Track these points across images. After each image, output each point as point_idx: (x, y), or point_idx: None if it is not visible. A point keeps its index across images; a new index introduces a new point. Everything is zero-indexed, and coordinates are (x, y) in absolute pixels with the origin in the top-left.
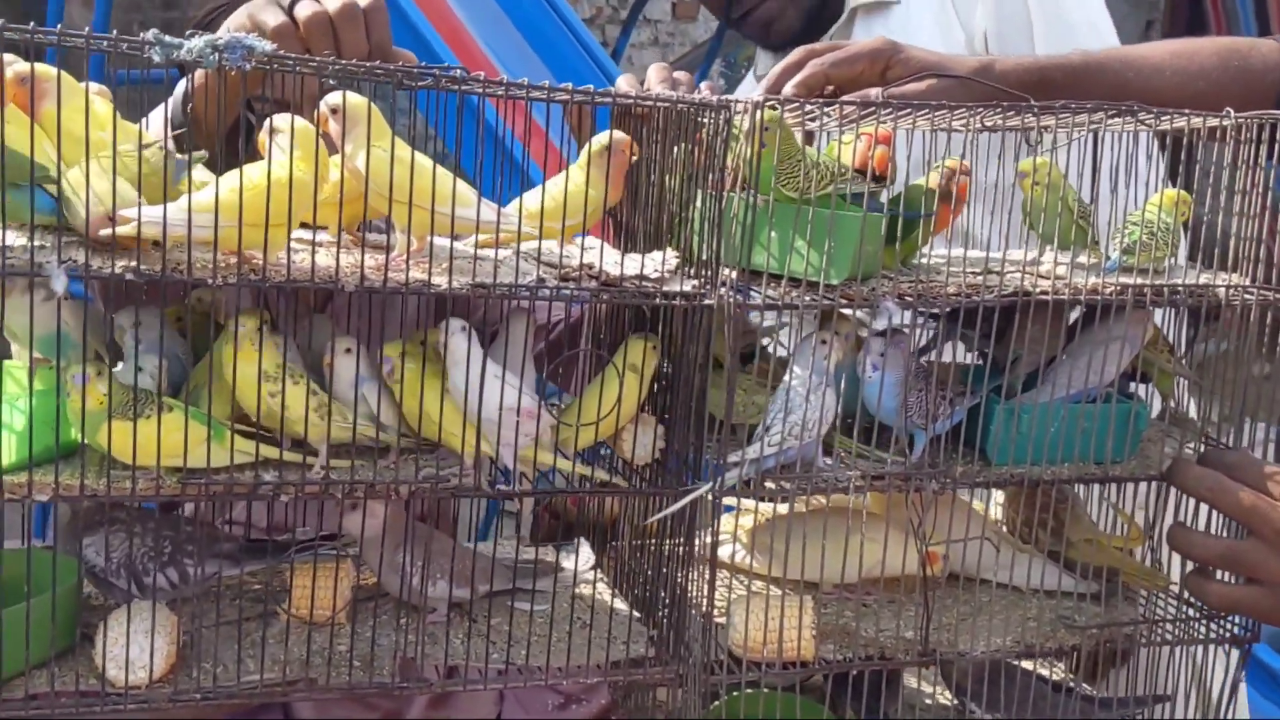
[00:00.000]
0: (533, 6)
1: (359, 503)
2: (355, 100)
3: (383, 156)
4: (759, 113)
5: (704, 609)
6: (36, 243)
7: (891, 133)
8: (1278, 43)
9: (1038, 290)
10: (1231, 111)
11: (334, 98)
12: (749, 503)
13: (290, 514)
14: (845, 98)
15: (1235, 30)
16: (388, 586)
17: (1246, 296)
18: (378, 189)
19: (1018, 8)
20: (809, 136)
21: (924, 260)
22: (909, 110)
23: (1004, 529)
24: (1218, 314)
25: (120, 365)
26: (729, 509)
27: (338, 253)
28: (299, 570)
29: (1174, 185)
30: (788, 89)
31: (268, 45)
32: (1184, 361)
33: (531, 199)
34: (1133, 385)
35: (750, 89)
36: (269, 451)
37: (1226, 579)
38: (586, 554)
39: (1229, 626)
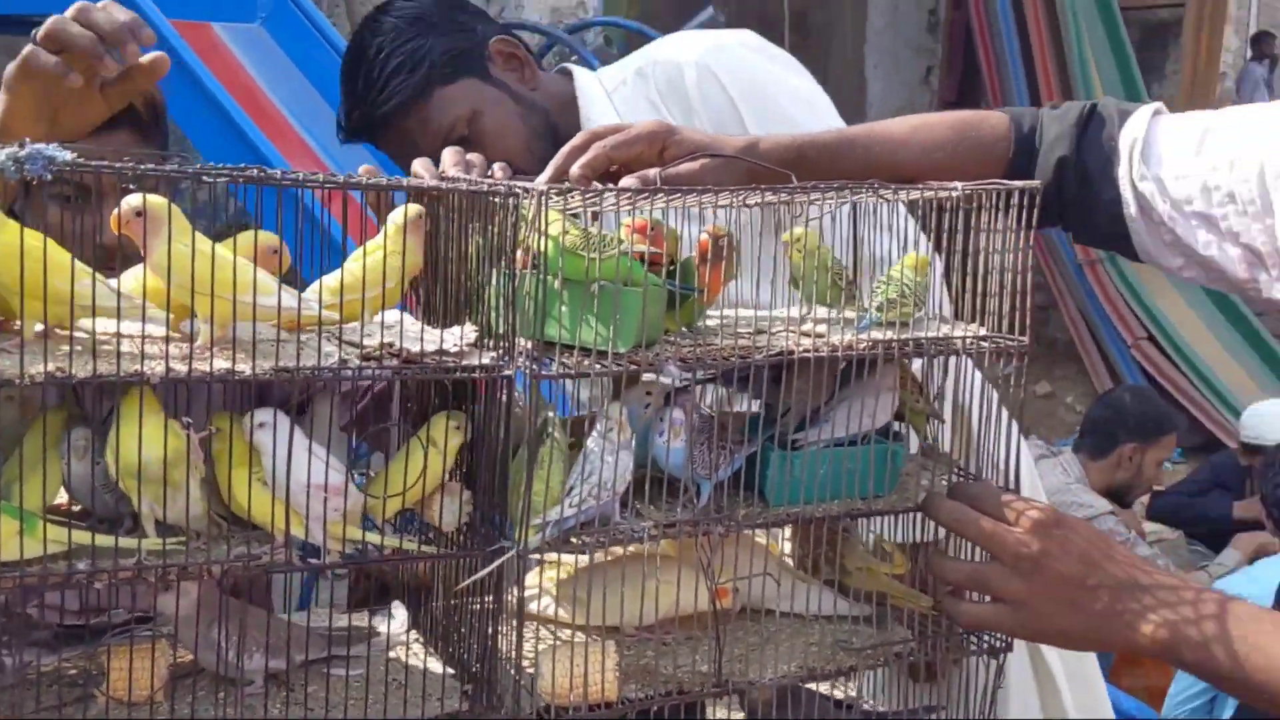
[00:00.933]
0: (323, 58)
1: (172, 584)
2: (156, 201)
3: (185, 252)
4: (544, 199)
5: (514, 660)
6: None
7: (647, 222)
8: (1005, 114)
9: (801, 349)
10: (960, 184)
11: (135, 200)
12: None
13: (105, 597)
14: (624, 180)
15: (1004, 76)
16: (204, 663)
17: (982, 345)
18: (181, 283)
19: (725, 108)
20: (594, 216)
21: (705, 323)
22: (682, 192)
23: (792, 561)
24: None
25: None
26: (537, 563)
27: (142, 345)
28: (115, 652)
29: (930, 245)
30: (574, 170)
31: (67, 155)
32: (934, 401)
33: (331, 279)
34: (896, 425)
35: None
36: (81, 538)
37: (977, 599)
38: (401, 616)
39: (986, 640)
